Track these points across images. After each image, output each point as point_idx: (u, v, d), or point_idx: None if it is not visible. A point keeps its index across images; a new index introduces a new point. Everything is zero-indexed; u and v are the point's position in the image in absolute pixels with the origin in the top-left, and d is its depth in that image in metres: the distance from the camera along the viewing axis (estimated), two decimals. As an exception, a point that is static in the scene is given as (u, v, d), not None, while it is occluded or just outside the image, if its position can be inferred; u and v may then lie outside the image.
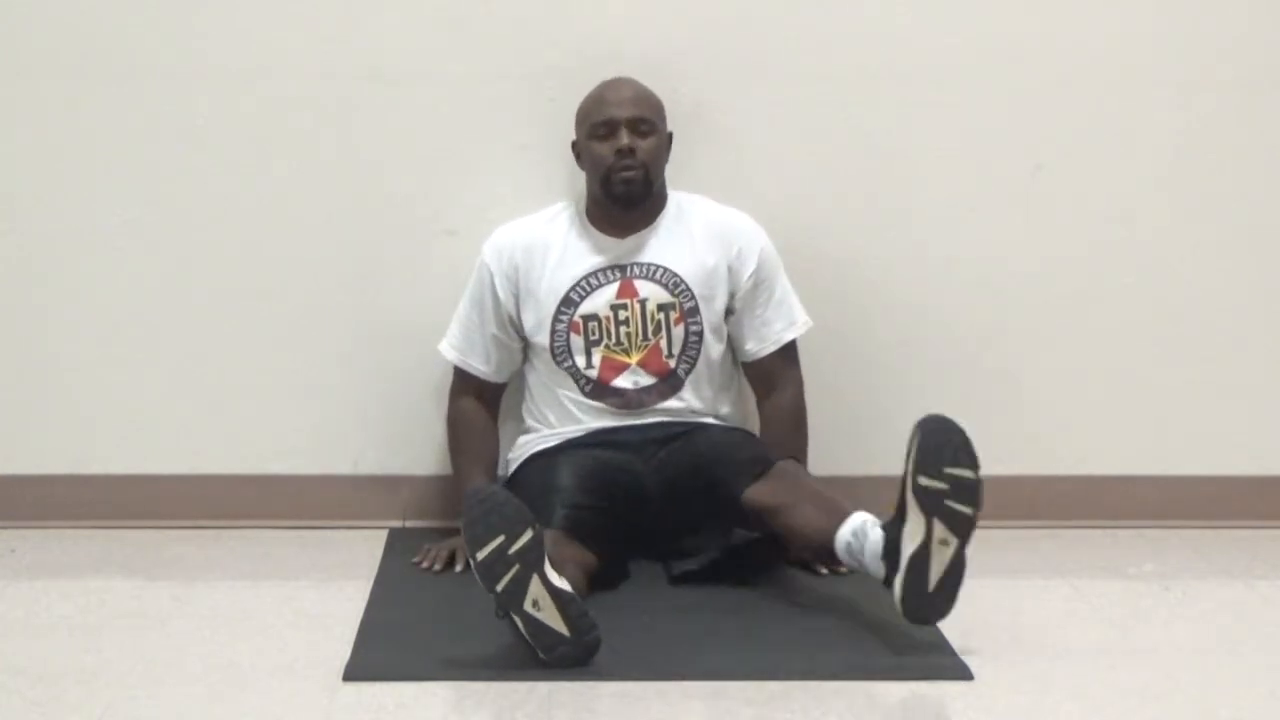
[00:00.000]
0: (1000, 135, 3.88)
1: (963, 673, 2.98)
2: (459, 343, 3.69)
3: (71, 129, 3.80)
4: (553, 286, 3.60)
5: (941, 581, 3.00)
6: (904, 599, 3.01)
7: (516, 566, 2.91)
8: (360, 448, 3.89)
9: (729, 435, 3.58)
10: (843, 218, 3.89)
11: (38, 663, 3.02)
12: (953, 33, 3.85)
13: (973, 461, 3.01)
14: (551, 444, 3.61)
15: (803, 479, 3.43)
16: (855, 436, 3.89)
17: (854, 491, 3.63)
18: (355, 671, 2.97)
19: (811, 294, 3.78)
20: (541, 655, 2.94)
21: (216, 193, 3.83)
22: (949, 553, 2.99)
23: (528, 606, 2.92)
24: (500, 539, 2.92)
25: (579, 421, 3.61)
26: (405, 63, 3.80)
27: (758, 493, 3.38)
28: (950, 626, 3.16)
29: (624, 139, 3.53)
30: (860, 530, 3.16)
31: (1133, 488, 3.95)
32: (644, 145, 3.55)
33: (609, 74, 3.64)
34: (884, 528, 3.11)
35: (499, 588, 2.91)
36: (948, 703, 2.91)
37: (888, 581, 3.06)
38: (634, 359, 3.60)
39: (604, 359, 3.60)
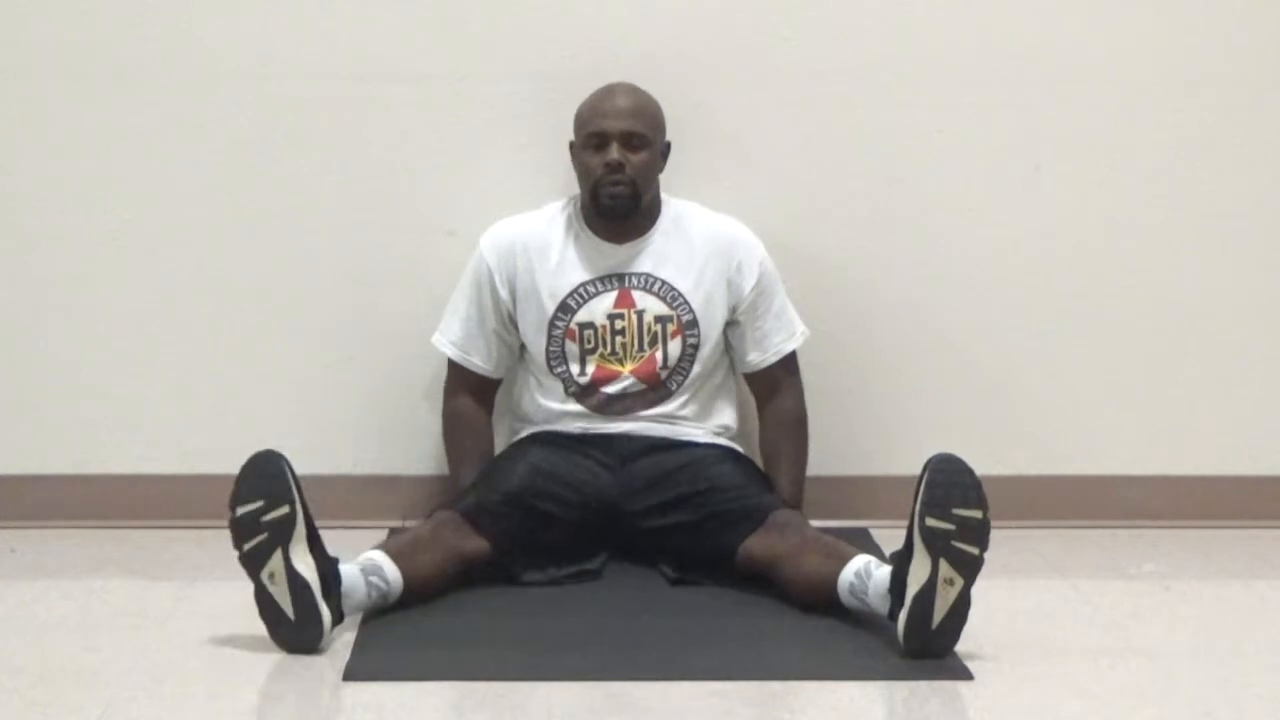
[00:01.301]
0: (1000, 135, 3.89)
1: (963, 673, 2.98)
2: (459, 339, 3.67)
3: (71, 129, 3.81)
4: (551, 291, 3.59)
5: (945, 620, 2.99)
6: (907, 636, 3.01)
7: (265, 535, 3.02)
8: (360, 448, 3.89)
9: (720, 476, 3.50)
10: (842, 218, 3.89)
11: (38, 663, 3.02)
12: (953, 33, 3.85)
13: (981, 502, 3.00)
14: (527, 433, 3.63)
15: (803, 528, 3.38)
16: (854, 437, 3.90)
17: (852, 491, 3.64)
18: (355, 671, 2.97)
19: (810, 294, 3.78)
20: (265, 628, 3.03)
21: (217, 192, 3.83)
22: (954, 592, 2.98)
23: (263, 576, 3.02)
24: (259, 504, 3.03)
25: (560, 422, 3.60)
26: (405, 63, 3.80)
27: (754, 547, 3.36)
28: (950, 626, 3.17)
29: (613, 153, 3.50)
30: (863, 570, 3.15)
31: (1133, 488, 3.95)
32: (634, 160, 3.52)
33: (609, 74, 3.64)
34: (891, 560, 3.10)
35: (244, 548, 3.03)
36: (948, 703, 2.90)
37: (893, 615, 3.06)
38: (627, 368, 3.59)
39: (598, 367, 3.59)
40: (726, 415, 3.70)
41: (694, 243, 3.62)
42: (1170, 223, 3.93)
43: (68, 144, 3.81)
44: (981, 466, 3.04)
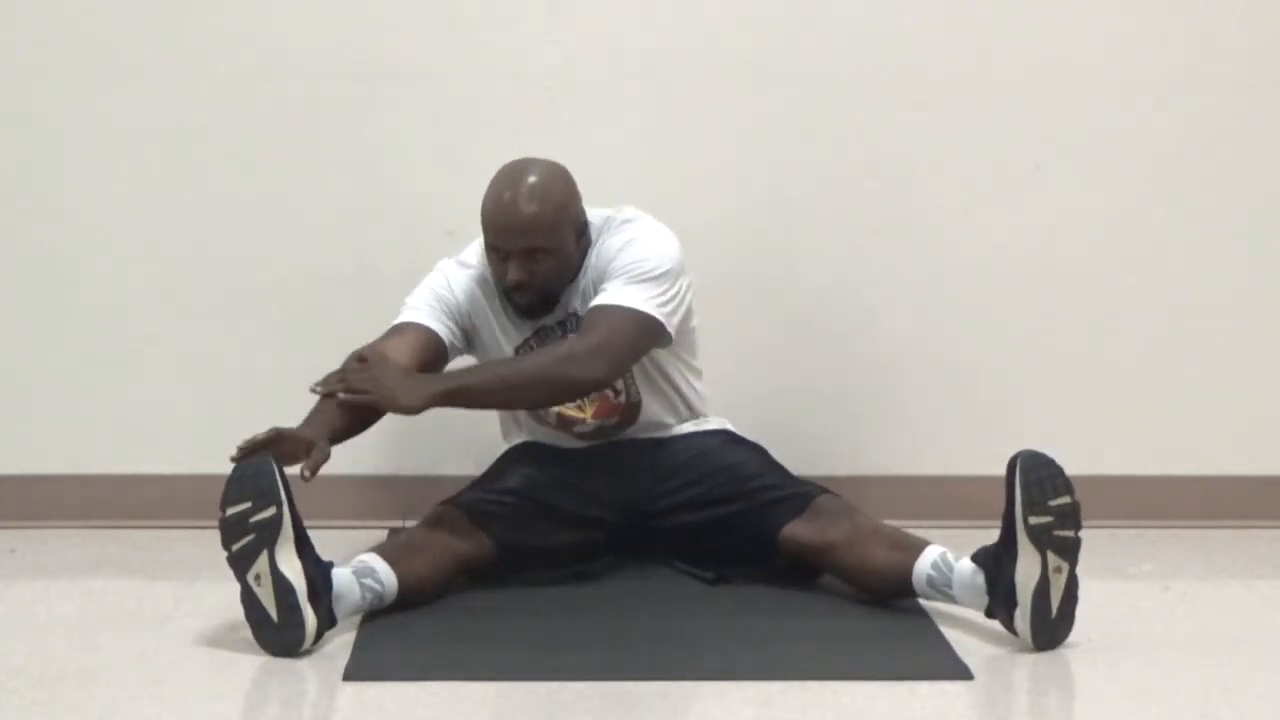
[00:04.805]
0: (1000, 135, 3.89)
1: (963, 673, 2.98)
2: (410, 304, 3.45)
3: (72, 129, 3.81)
4: (501, 349, 3.46)
5: (1061, 607, 3.05)
6: (1034, 632, 3.05)
7: (251, 536, 3.01)
8: (360, 448, 3.88)
9: (737, 461, 3.45)
10: (841, 218, 3.89)
11: (38, 663, 3.02)
12: (953, 33, 3.85)
13: (1069, 488, 3.05)
14: (525, 439, 3.57)
15: (853, 514, 3.34)
16: (853, 437, 3.90)
17: (850, 491, 3.63)
18: (355, 671, 2.97)
19: (809, 294, 3.79)
20: (250, 629, 3.03)
21: (217, 193, 3.83)
22: (1063, 578, 3.04)
23: (249, 577, 3.02)
24: (247, 505, 3.02)
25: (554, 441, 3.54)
26: (405, 63, 3.81)
27: (800, 533, 3.34)
28: (950, 626, 3.17)
29: (513, 274, 3.33)
30: (941, 562, 3.17)
31: (1133, 488, 3.95)
32: (539, 270, 3.34)
33: (609, 74, 3.65)
34: (980, 561, 3.12)
35: (233, 549, 3.03)
36: (948, 703, 2.90)
37: (990, 613, 3.11)
38: (588, 413, 3.49)
39: (559, 415, 3.48)
40: (701, 405, 3.57)
41: (604, 267, 3.42)
42: (1170, 223, 3.93)
43: (68, 144, 3.81)
44: (981, 467, 3.06)
